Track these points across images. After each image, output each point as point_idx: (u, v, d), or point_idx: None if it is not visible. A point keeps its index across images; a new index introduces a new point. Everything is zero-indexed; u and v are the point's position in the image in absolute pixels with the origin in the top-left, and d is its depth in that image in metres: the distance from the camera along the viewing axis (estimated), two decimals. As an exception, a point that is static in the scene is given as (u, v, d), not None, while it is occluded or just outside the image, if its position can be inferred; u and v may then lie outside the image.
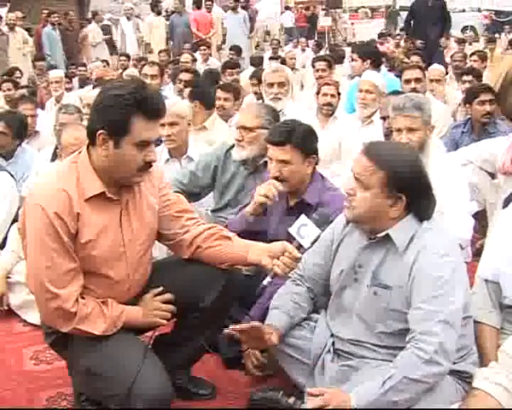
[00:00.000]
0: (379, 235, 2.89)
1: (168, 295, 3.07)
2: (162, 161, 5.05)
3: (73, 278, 2.85)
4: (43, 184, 2.94)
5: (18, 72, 10.76)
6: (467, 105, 6.08)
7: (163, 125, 4.77)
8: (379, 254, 2.91)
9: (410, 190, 2.82)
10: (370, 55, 7.58)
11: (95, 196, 2.85)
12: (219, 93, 6.85)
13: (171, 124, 4.87)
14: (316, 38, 17.81)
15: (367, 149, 2.91)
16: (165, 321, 3.08)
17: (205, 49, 12.77)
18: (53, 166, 4.47)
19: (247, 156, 4.30)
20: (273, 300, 3.25)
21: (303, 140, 3.61)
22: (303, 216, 3.01)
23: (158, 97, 2.87)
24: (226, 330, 3.03)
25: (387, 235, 2.87)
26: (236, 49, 13.09)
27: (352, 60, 7.89)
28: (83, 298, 2.88)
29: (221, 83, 7.90)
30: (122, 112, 2.73)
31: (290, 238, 3.00)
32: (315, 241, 2.99)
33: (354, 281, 2.99)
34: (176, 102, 5.24)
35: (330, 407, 2.64)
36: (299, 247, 2.96)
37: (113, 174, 2.86)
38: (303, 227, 2.97)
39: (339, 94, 6.62)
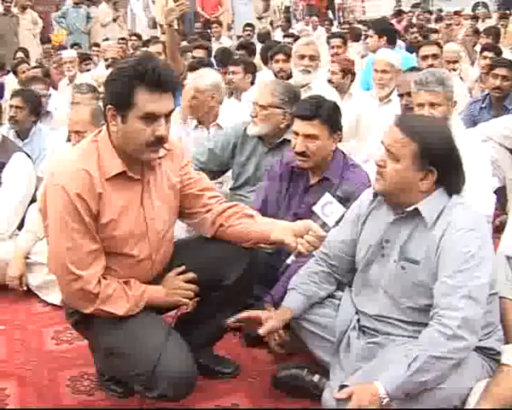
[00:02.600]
0: (408, 209, 2.87)
1: (191, 275, 3.05)
2: (192, 125, 5.22)
3: (95, 258, 2.84)
4: (64, 163, 2.91)
5: (22, 52, 10.77)
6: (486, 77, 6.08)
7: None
8: (407, 229, 2.88)
9: (441, 163, 2.80)
10: (387, 31, 7.52)
11: (116, 175, 2.82)
12: (229, 68, 6.93)
13: (190, 97, 5.02)
14: (337, 15, 17.74)
15: (400, 121, 2.88)
16: (187, 300, 3.07)
17: (216, 27, 12.71)
18: (70, 145, 4.45)
19: (258, 133, 4.34)
20: (292, 279, 3.24)
21: (330, 116, 3.61)
22: (327, 194, 2.98)
23: (162, 68, 2.76)
24: (228, 321, 3.05)
25: (416, 209, 2.84)
26: (252, 27, 13.05)
27: (367, 37, 7.80)
28: (105, 279, 2.87)
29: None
30: (124, 84, 2.70)
31: (314, 217, 2.97)
32: (339, 219, 2.97)
33: (381, 256, 2.97)
34: (200, 74, 5.29)
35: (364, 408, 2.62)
36: (324, 225, 2.93)
37: (125, 150, 2.81)
38: (327, 205, 2.94)
39: (350, 72, 6.58)
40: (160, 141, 2.79)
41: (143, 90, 2.69)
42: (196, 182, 3.13)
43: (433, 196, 2.84)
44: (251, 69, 6.97)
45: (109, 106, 2.75)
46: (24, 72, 8.74)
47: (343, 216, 3.02)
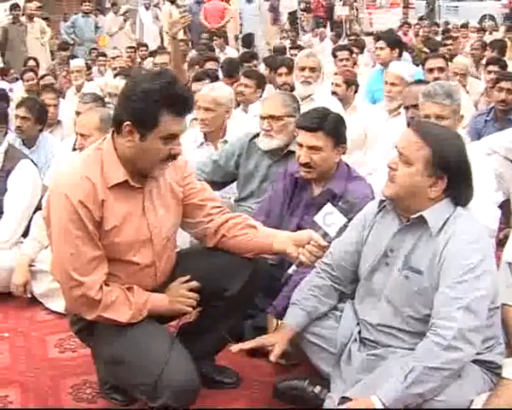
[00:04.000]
0: (413, 216, 2.87)
1: (194, 283, 3.07)
2: (198, 142, 5.15)
3: (98, 265, 2.86)
4: (68, 172, 2.94)
5: (33, 61, 10.79)
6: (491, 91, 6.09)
7: (199, 107, 4.89)
8: (412, 239, 2.89)
9: (452, 171, 2.81)
10: (398, 44, 7.54)
11: (118, 183, 2.86)
12: (242, 79, 6.86)
13: (206, 109, 4.96)
14: (333, 28, 17.69)
15: (416, 125, 2.90)
16: (190, 309, 3.08)
17: (215, 40, 12.73)
18: (75, 154, 4.49)
19: (277, 145, 4.32)
20: (294, 293, 3.25)
21: (334, 128, 3.63)
22: (329, 204, 3.00)
23: (187, 93, 2.87)
24: (232, 349, 3.10)
25: (421, 218, 2.85)
26: (246, 40, 13.07)
27: (377, 49, 7.76)
28: (107, 286, 2.89)
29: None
30: (152, 107, 2.73)
31: (315, 227, 2.99)
32: (341, 229, 2.98)
33: (385, 265, 2.98)
34: (217, 87, 5.24)
35: None
36: (325, 235, 2.96)
37: (136, 164, 2.86)
38: (328, 215, 2.96)
39: (354, 83, 6.59)
40: (174, 158, 2.87)
41: (169, 114, 2.76)
42: (199, 192, 3.15)
43: (440, 205, 2.85)
44: (261, 83, 6.96)
45: (128, 122, 2.77)
46: (28, 80, 8.73)
47: (345, 227, 3.04)
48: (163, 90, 2.75)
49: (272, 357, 3.08)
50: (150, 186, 2.97)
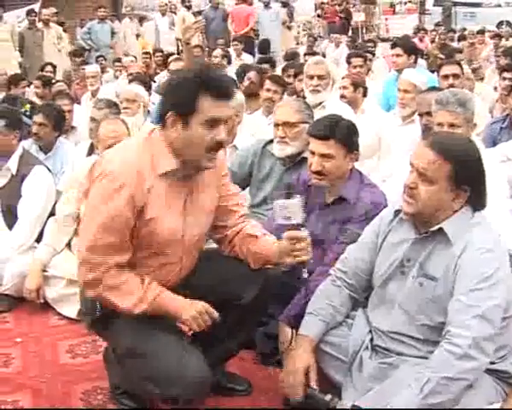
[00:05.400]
0: (432, 229, 2.86)
1: (216, 315, 2.96)
2: None
3: (119, 250, 2.87)
4: (119, 155, 2.94)
5: (50, 66, 10.82)
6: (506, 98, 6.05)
7: None
8: (428, 247, 2.88)
9: (474, 181, 2.81)
10: (414, 50, 7.50)
11: (167, 173, 2.88)
12: (269, 84, 6.73)
13: None
14: (350, 34, 17.66)
15: (432, 142, 2.85)
16: (196, 328, 2.95)
17: (236, 45, 12.76)
18: (130, 140, 4.45)
19: (292, 152, 4.31)
20: (310, 302, 3.23)
21: (346, 135, 3.60)
22: (275, 202, 2.97)
23: (225, 77, 2.91)
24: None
25: (440, 229, 2.83)
26: (262, 46, 13.07)
27: (394, 55, 7.71)
28: (123, 271, 2.89)
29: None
30: (189, 91, 2.78)
31: (284, 228, 2.98)
32: (354, 236, 2.97)
33: (401, 274, 2.97)
34: None
35: None
36: (297, 226, 2.94)
37: (184, 155, 2.87)
38: (284, 210, 2.93)
39: (361, 85, 6.57)
40: (219, 146, 2.88)
41: (208, 97, 2.79)
42: (232, 196, 3.20)
43: (458, 215, 2.84)
44: (285, 89, 6.92)
45: (170, 112, 2.82)
46: (38, 87, 8.73)
47: (358, 235, 3.03)
48: (198, 74, 2.81)
49: (313, 383, 3.04)
50: (195, 182, 3.00)
